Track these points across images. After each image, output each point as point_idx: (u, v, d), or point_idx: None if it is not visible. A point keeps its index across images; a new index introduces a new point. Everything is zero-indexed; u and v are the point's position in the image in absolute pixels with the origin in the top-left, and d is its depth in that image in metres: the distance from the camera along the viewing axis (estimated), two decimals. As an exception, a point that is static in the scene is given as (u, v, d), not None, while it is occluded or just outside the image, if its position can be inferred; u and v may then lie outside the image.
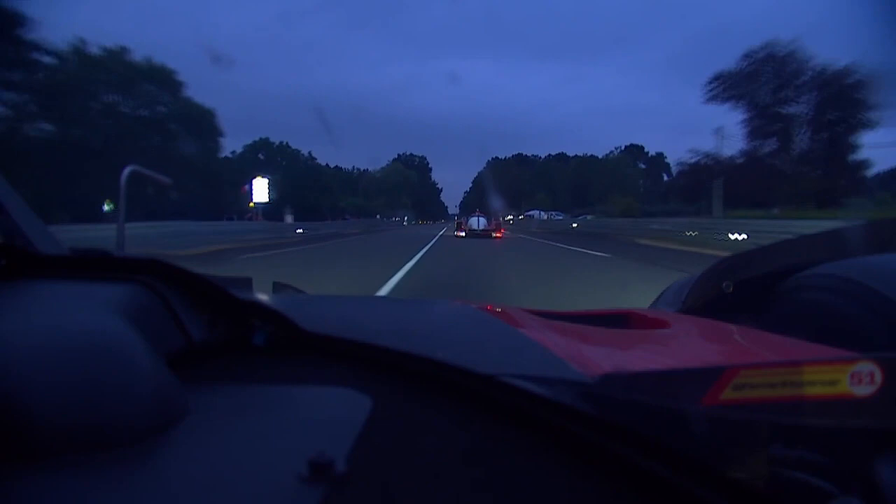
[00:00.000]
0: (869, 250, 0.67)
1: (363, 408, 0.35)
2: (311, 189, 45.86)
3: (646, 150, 65.62)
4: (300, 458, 0.27)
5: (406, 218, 62.46)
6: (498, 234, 20.62)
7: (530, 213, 50.09)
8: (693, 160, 29.39)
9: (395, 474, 0.30)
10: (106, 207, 20.29)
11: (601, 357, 0.45)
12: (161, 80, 27.31)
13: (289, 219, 27.07)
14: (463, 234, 21.04)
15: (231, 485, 0.26)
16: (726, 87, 26.97)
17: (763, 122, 26.21)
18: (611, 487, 0.30)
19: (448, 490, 0.29)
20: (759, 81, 25.81)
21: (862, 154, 24.67)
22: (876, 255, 0.64)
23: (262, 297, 0.49)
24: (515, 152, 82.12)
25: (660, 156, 63.13)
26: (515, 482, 0.30)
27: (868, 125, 23.78)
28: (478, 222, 21.45)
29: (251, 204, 28.24)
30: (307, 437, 0.31)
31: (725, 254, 0.91)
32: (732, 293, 0.78)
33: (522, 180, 66.11)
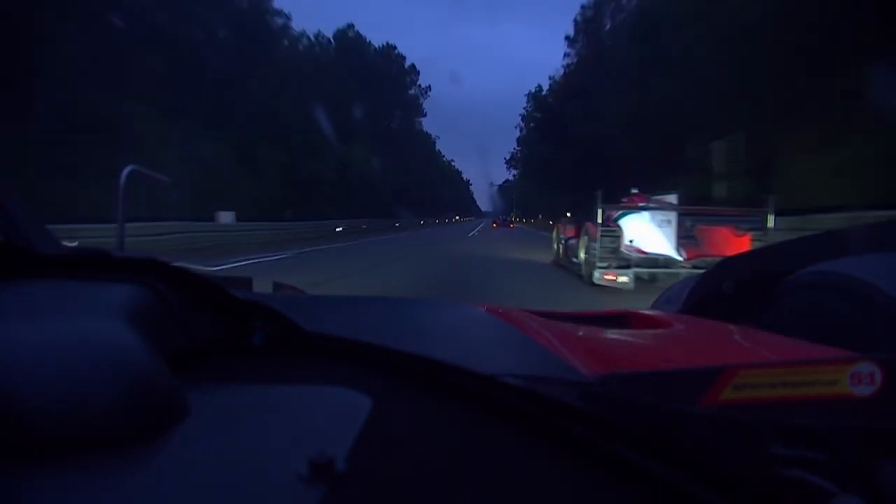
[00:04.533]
0: (869, 250, 0.67)
1: (363, 408, 0.35)
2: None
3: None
4: (300, 458, 0.27)
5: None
6: None
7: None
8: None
9: (395, 474, 0.30)
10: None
11: (601, 357, 0.45)
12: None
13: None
14: None
15: (231, 485, 0.26)
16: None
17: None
18: (611, 487, 0.30)
19: (448, 490, 0.29)
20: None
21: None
22: (875, 255, 0.64)
23: (262, 297, 0.49)
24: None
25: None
26: (515, 482, 0.30)
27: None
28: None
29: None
30: (307, 437, 0.31)
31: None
32: (732, 293, 0.78)
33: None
